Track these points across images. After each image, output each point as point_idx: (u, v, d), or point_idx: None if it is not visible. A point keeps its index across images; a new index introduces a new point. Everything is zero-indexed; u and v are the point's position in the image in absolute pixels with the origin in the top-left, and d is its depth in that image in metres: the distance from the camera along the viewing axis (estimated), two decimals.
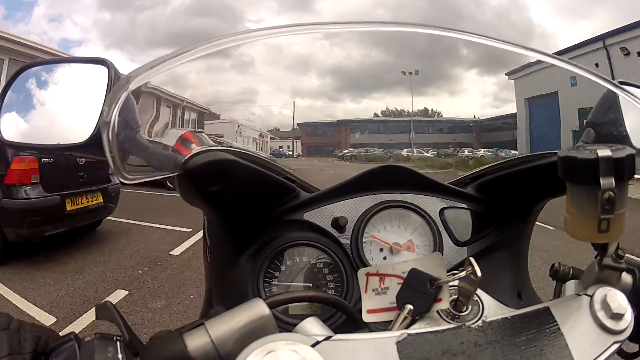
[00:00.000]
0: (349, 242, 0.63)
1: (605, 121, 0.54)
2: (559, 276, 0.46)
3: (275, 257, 0.63)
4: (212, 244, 0.68)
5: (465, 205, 0.67)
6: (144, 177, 0.38)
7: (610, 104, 0.52)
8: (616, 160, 0.30)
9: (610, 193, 0.30)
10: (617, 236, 0.33)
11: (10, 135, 0.49)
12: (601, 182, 0.30)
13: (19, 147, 0.52)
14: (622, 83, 0.45)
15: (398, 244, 0.64)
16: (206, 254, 0.70)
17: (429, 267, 0.37)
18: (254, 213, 0.62)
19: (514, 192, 0.65)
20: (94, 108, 0.44)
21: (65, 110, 0.50)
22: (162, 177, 0.44)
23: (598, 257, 0.36)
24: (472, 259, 0.35)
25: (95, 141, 0.43)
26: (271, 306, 0.33)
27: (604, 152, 0.31)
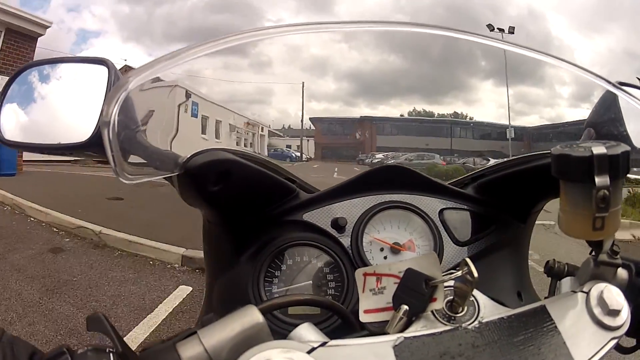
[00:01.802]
0: (349, 242, 0.63)
1: (605, 121, 0.54)
2: (554, 273, 0.46)
3: (276, 257, 0.63)
4: (212, 244, 0.68)
5: (465, 206, 0.67)
6: (145, 177, 0.38)
7: (610, 104, 0.52)
8: (611, 158, 0.30)
9: (605, 191, 0.30)
10: (612, 233, 0.33)
11: (10, 135, 0.49)
12: (596, 180, 0.30)
13: (20, 147, 0.52)
14: (621, 84, 0.45)
15: (398, 244, 0.64)
16: (206, 254, 0.70)
17: (424, 266, 0.37)
18: (254, 213, 0.62)
19: (514, 193, 0.65)
20: (94, 108, 0.44)
21: (65, 110, 0.50)
22: (162, 176, 0.44)
23: (593, 254, 0.36)
24: (468, 260, 0.35)
25: (95, 141, 0.43)
26: (265, 311, 0.32)
27: (598, 149, 0.30)
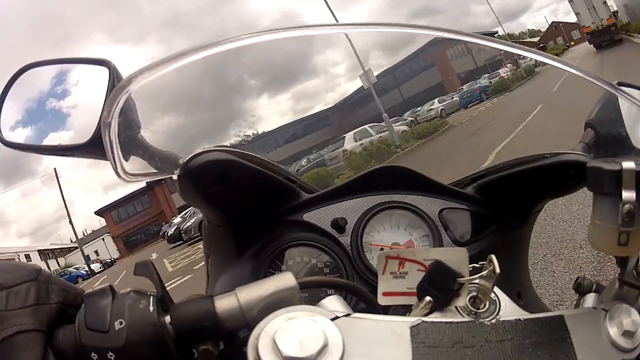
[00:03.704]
0: (349, 242, 0.63)
1: (604, 122, 0.54)
2: (582, 289, 0.47)
3: (276, 257, 0.63)
4: (212, 244, 0.68)
5: (464, 206, 0.67)
6: (145, 178, 0.38)
7: (609, 104, 0.52)
8: (639, 173, 0.30)
9: (631, 206, 0.30)
10: (636, 251, 0.33)
11: (11, 136, 0.49)
12: (623, 193, 0.31)
13: (20, 148, 0.52)
14: (620, 84, 0.45)
15: (398, 244, 0.64)
16: (207, 254, 0.70)
17: (452, 261, 0.37)
18: (255, 213, 0.62)
19: (514, 193, 0.65)
20: (95, 109, 0.44)
21: (65, 111, 0.50)
22: (162, 177, 0.44)
23: (619, 274, 0.37)
24: (493, 257, 0.36)
25: (96, 142, 0.43)
26: (300, 286, 0.34)
27: (628, 164, 0.31)
